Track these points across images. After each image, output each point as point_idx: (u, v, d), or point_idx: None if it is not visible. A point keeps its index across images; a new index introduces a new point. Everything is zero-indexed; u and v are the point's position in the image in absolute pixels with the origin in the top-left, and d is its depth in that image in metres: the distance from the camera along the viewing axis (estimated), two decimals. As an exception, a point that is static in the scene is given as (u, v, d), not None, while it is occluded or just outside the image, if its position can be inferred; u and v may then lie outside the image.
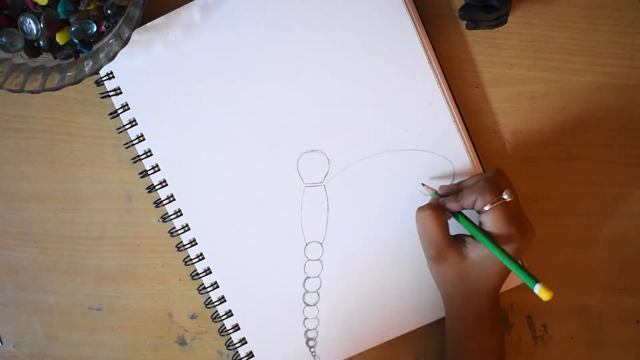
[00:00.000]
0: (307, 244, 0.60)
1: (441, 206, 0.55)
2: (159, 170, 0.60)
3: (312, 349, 0.61)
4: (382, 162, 0.59)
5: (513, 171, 0.60)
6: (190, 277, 0.61)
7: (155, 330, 0.63)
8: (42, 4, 0.56)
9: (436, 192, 0.57)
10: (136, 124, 0.60)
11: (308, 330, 0.61)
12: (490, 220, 0.52)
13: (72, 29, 0.56)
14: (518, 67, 0.60)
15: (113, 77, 0.59)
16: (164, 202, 0.60)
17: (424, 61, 0.58)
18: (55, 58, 0.58)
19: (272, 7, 0.59)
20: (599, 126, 0.60)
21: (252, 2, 0.58)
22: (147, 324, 0.63)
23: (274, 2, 0.58)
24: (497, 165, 0.60)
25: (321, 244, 0.60)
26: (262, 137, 0.59)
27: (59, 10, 0.56)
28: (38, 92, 0.55)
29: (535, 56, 0.60)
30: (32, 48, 0.58)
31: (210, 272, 0.60)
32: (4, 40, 0.57)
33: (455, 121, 0.59)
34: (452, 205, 0.54)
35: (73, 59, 0.57)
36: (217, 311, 0.61)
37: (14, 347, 0.63)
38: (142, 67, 0.59)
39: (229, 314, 0.61)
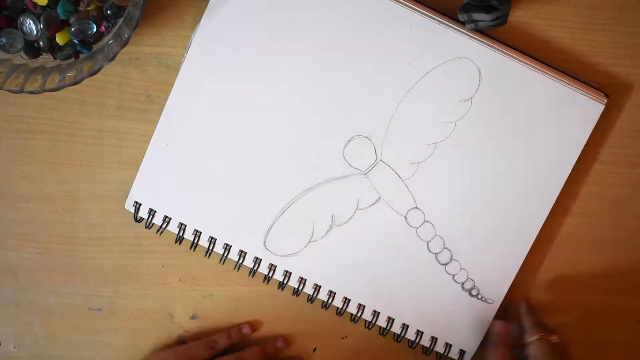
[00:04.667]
0: (405, 216, 0.60)
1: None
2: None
3: (479, 295, 0.61)
4: (410, 104, 0.59)
5: (513, 171, 0.60)
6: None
7: (156, 331, 0.63)
8: (42, 4, 0.56)
9: None
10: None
11: (463, 283, 0.61)
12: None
13: (72, 29, 0.56)
14: (518, 67, 0.60)
15: None
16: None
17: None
18: (55, 59, 0.58)
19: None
20: (599, 126, 0.60)
21: None
22: (147, 325, 0.63)
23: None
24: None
25: (417, 208, 0.60)
26: (307, 162, 0.60)
27: (59, 10, 0.56)
28: (38, 92, 0.55)
29: (535, 56, 0.60)
30: (32, 49, 0.58)
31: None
32: (3, 40, 0.57)
33: None
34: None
35: (73, 59, 0.57)
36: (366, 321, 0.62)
37: (14, 347, 0.63)
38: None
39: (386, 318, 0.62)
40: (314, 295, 0.61)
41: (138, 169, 0.60)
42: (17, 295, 0.63)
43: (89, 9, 0.57)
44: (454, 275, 0.60)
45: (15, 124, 0.61)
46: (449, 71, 0.58)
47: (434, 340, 0.61)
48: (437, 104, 0.59)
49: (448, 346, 0.61)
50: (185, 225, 0.60)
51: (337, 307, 0.61)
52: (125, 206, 0.61)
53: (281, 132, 0.59)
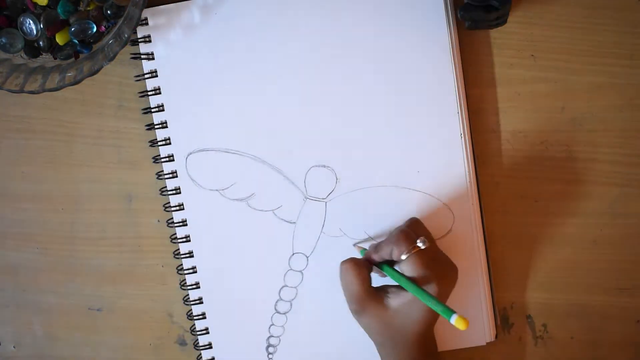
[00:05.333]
0: (293, 254, 0.60)
1: (365, 260, 0.56)
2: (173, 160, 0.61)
3: (270, 356, 0.61)
4: (387, 195, 0.60)
5: (513, 171, 0.60)
6: (176, 271, 0.61)
7: (156, 331, 0.63)
8: (42, 4, 0.56)
9: (365, 249, 0.58)
10: (163, 110, 0.60)
11: (271, 336, 0.61)
12: (408, 268, 0.54)
13: (72, 29, 0.56)
14: (518, 67, 0.60)
15: (153, 58, 0.59)
16: (170, 193, 0.61)
17: (454, 111, 0.59)
18: (55, 58, 0.58)
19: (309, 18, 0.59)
20: (599, 126, 0.60)
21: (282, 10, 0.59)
22: (147, 324, 0.63)
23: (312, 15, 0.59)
24: (496, 165, 0.61)
25: (307, 257, 0.60)
26: (278, 141, 0.60)
27: (59, 10, 0.56)
28: (38, 92, 0.55)
29: (535, 56, 0.60)
30: (32, 48, 0.58)
31: (196, 272, 0.61)
32: (4, 40, 0.57)
33: (467, 173, 0.59)
34: (373, 257, 0.56)
35: (73, 59, 0.58)
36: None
37: (14, 347, 0.63)
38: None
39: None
40: None
41: (138, 169, 0.61)
42: (17, 295, 0.63)
43: (89, 9, 0.57)
44: None
45: (15, 123, 0.61)
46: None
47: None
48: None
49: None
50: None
51: None
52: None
53: None
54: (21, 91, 0.55)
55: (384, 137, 0.59)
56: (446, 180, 0.59)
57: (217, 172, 0.60)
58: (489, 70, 0.60)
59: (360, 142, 0.60)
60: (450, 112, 0.59)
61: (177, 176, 0.60)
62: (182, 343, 0.63)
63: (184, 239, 0.60)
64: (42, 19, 0.57)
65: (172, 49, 0.59)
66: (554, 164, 0.61)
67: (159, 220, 0.62)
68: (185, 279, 0.61)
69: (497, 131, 0.60)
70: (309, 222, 0.60)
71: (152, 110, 0.60)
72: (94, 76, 0.55)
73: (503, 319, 0.62)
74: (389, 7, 0.58)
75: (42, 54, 0.58)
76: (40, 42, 0.58)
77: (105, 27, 0.57)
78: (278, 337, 0.61)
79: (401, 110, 0.59)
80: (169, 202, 0.61)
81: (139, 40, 0.59)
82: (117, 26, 0.56)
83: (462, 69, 0.59)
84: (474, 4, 0.55)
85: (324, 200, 0.60)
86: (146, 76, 0.60)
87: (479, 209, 0.60)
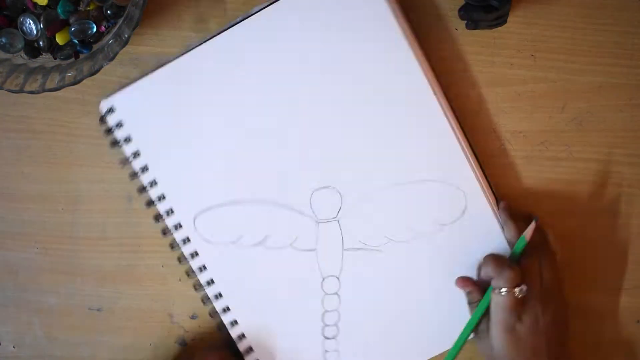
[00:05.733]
0: (323, 279, 0.60)
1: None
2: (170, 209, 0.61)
3: None
4: (394, 195, 0.59)
5: (513, 171, 0.60)
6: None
7: (156, 331, 0.63)
8: (42, 4, 0.56)
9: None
10: (139, 155, 0.60)
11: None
12: (497, 305, 0.55)
13: (72, 29, 0.56)
14: (518, 67, 0.60)
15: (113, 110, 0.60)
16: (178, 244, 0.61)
17: (437, 111, 0.58)
18: (55, 58, 0.58)
19: (280, 45, 0.58)
20: (599, 126, 0.60)
21: (260, 38, 0.58)
22: (147, 324, 0.63)
23: (281, 40, 0.58)
24: (495, 166, 0.60)
25: (338, 277, 0.60)
26: (273, 176, 0.59)
27: (59, 10, 0.56)
28: (38, 92, 0.55)
29: (535, 56, 0.60)
30: (32, 48, 0.58)
31: (229, 310, 0.61)
32: (3, 40, 0.57)
33: (462, 148, 0.59)
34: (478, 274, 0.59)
35: (73, 59, 0.58)
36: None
37: (14, 347, 0.63)
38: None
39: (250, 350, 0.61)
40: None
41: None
42: (17, 295, 0.63)
43: (89, 8, 0.57)
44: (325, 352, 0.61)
45: (15, 123, 0.61)
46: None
47: None
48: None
49: None
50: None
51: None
52: (100, 105, 0.60)
53: (270, 137, 0.59)
54: (21, 91, 0.55)
55: (370, 139, 0.59)
56: (444, 161, 0.59)
57: (226, 226, 0.60)
58: (489, 70, 0.60)
59: (355, 157, 0.59)
60: (433, 113, 0.58)
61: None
62: (182, 343, 0.63)
63: (208, 284, 0.61)
64: (42, 19, 0.57)
65: (146, 117, 0.59)
66: (554, 164, 0.61)
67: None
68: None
69: (497, 131, 0.61)
70: (328, 244, 0.60)
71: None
72: (94, 76, 0.55)
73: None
74: (337, 24, 0.57)
75: (42, 54, 0.58)
76: (40, 42, 0.58)
77: (105, 27, 0.57)
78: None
79: (387, 121, 0.58)
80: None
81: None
82: (117, 26, 0.57)
83: (431, 62, 0.59)
84: (474, 4, 0.55)
85: (335, 219, 0.60)
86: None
87: (486, 180, 0.60)
